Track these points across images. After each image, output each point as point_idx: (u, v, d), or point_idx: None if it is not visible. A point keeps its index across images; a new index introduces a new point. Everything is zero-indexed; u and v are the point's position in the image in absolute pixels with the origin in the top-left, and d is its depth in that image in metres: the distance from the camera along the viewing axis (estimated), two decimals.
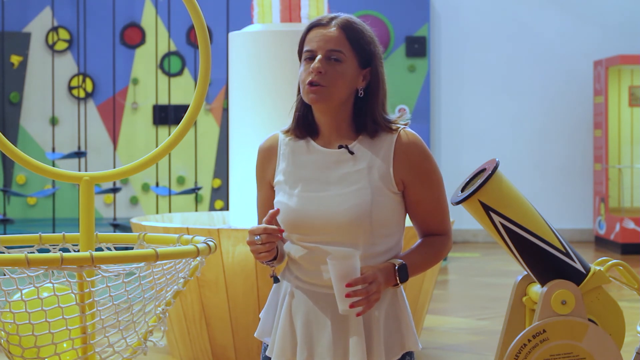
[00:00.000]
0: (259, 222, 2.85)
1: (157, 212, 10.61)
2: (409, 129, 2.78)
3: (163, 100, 11.87)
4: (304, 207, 2.72)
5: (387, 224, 2.73)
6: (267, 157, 2.85)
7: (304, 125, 2.79)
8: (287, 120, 2.90)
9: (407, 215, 2.82)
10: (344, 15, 2.76)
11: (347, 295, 2.59)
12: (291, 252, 2.79)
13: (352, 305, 2.60)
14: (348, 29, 2.72)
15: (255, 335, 2.88)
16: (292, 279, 2.80)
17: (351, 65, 2.72)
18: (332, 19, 2.75)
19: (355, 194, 2.70)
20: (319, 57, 2.71)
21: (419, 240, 2.82)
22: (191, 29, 12.08)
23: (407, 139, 2.75)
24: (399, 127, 2.77)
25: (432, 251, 2.79)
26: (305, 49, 2.75)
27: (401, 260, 2.71)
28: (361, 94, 2.75)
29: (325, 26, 2.73)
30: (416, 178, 2.74)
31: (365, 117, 2.75)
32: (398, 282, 2.70)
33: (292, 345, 2.76)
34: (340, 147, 2.74)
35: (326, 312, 2.73)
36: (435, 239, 2.81)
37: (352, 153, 2.73)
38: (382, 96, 2.77)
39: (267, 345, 2.85)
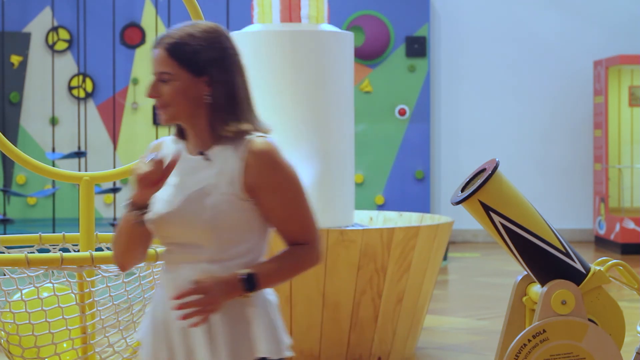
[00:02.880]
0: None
1: None
2: (264, 137, 2.76)
3: None
4: (158, 211, 2.76)
5: (234, 230, 2.73)
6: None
7: (179, 132, 2.84)
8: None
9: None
10: (173, 30, 2.76)
11: (179, 307, 2.61)
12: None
13: (184, 317, 2.62)
14: (171, 46, 2.73)
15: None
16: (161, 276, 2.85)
17: (183, 79, 2.73)
18: (163, 38, 2.76)
19: (199, 200, 2.72)
20: (152, 80, 2.75)
21: (282, 249, 2.82)
22: None
23: (257, 148, 2.73)
24: (252, 135, 2.76)
25: (291, 260, 2.78)
26: None
27: (249, 270, 2.70)
28: (207, 100, 2.75)
29: (155, 47, 2.76)
30: (265, 187, 2.73)
31: (215, 124, 2.76)
32: (245, 292, 2.70)
33: (156, 345, 2.79)
34: (200, 153, 2.77)
35: (175, 313, 2.74)
36: (296, 249, 2.79)
37: (208, 160, 2.76)
38: (228, 101, 2.76)
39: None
